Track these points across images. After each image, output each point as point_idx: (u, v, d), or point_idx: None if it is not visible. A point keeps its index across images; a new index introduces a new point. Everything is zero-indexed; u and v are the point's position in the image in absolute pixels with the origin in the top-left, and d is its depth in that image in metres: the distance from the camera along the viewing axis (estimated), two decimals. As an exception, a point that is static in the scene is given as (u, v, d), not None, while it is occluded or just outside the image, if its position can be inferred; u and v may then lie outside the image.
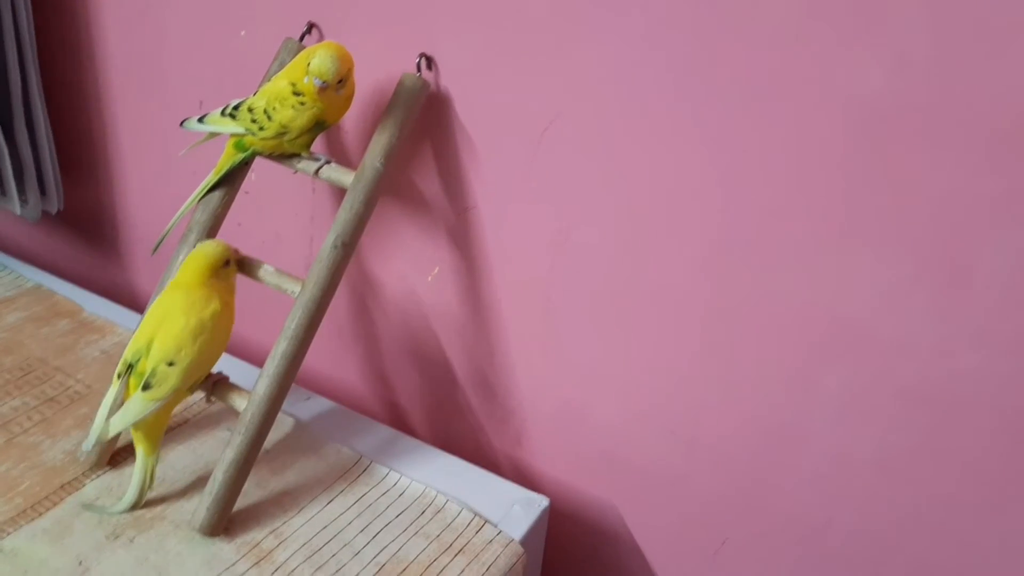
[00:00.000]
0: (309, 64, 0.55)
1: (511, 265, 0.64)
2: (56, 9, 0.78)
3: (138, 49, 0.76)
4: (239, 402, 0.56)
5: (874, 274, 0.50)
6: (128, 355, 0.55)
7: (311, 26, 0.64)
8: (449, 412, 0.73)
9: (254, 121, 0.57)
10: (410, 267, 0.69)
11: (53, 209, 0.82)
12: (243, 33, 0.69)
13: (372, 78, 0.62)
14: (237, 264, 0.58)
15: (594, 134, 0.56)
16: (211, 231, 0.61)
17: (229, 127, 0.59)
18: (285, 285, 0.58)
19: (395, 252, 0.69)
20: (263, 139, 0.58)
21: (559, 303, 0.63)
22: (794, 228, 0.52)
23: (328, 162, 0.59)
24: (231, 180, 0.62)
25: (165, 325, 0.54)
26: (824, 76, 0.48)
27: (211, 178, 0.61)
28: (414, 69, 0.60)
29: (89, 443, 0.56)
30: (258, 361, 0.70)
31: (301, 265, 0.74)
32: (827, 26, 0.47)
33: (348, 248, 0.57)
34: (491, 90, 0.59)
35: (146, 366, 0.54)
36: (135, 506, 0.56)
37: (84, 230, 0.90)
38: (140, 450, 0.56)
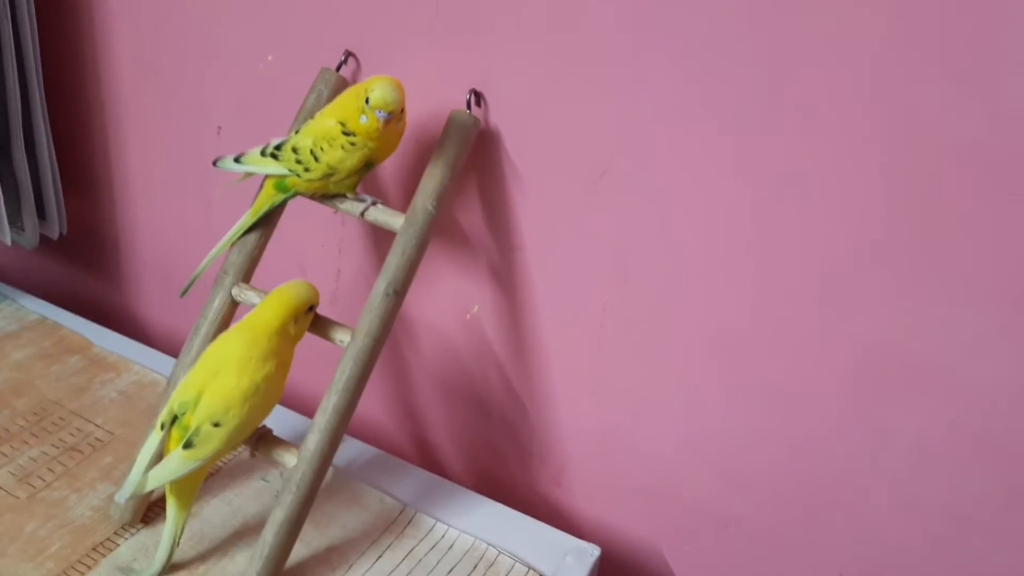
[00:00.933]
0: (368, 99, 0.52)
1: (559, 304, 0.62)
2: (63, 22, 0.74)
3: (151, 67, 0.72)
4: (288, 458, 0.53)
5: (950, 315, 0.50)
6: (175, 405, 0.51)
7: (348, 55, 0.61)
8: (485, 452, 0.71)
9: (299, 162, 0.54)
10: (447, 303, 0.66)
11: (54, 234, 0.78)
12: (270, 58, 0.66)
13: (415, 113, 0.60)
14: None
15: (659, 174, 0.54)
16: (247, 274, 0.58)
17: (271, 168, 0.56)
18: (334, 334, 0.55)
19: (432, 287, 0.67)
20: (308, 181, 0.55)
21: (610, 343, 0.61)
22: (870, 271, 0.51)
23: (375, 203, 0.56)
24: (268, 220, 0.59)
25: (218, 380, 0.50)
26: (915, 117, 0.46)
27: (247, 219, 0.58)
28: (460, 104, 0.57)
29: (123, 496, 0.52)
30: (297, 404, 0.68)
31: (326, 299, 0.71)
32: (917, 64, 0.45)
33: (400, 296, 0.54)
34: (545, 128, 0.56)
35: (191, 422, 0.51)
36: (164, 569, 0.54)
37: (87, 256, 0.86)
38: (172, 505, 0.53)
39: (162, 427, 0.51)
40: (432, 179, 0.55)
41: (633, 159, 0.55)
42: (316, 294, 0.54)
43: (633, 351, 0.61)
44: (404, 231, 0.55)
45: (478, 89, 0.57)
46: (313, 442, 0.52)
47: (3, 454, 0.61)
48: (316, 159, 0.54)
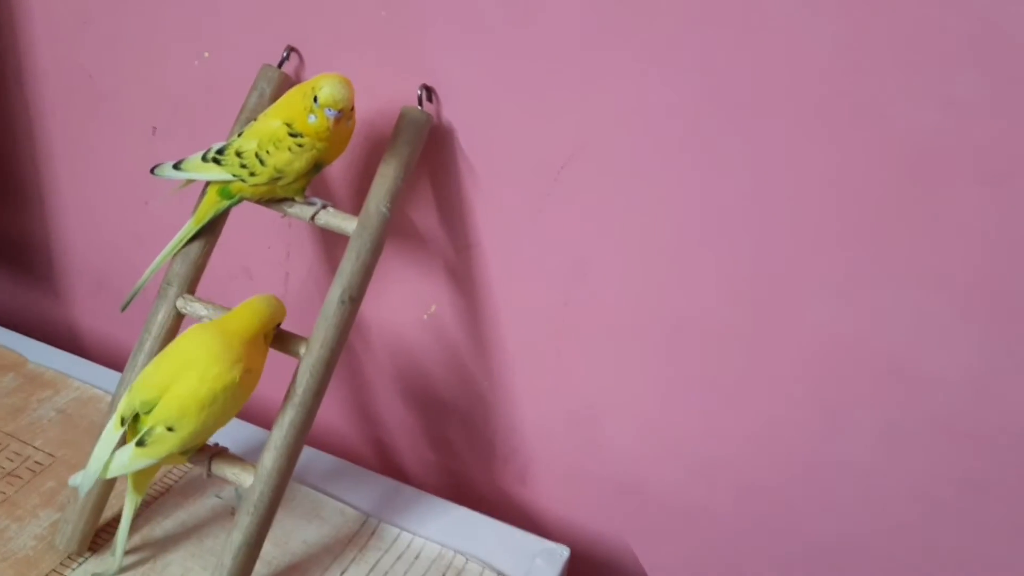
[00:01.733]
0: (316, 98, 0.49)
1: (518, 301, 0.60)
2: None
3: (79, 66, 0.68)
4: (244, 477, 0.51)
5: (915, 308, 0.50)
6: (136, 402, 0.48)
7: (290, 51, 0.58)
8: (447, 454, 0.69)
9: (244, 167, 0.52)
10: (402, 304, 0.65)
11: (-22, 244, 0.74)
12: (206, 54, 0.62)
13: (363, 110, 0.57)
14: None
15: (620, 168, 0.53)
16: (191, 284, 0.55)
17: (214, 174, 0.53)
18: (288, 345, 0.53)
19: (385, 288, 0.64)
20: (254, 185, 0.52)
21: (572, 338, 0.60)
22: (827, 260, 0.51)
23: (325, 206, 0.54)
24: (212, 227, 0.56)
25: (179, 383, 0.48)
26: (868, 110, 0.46)
27: (190, 227, 0.55)
28: (408, 100, 0.55)
29: (74, 482, 0.50)
30: (251, 415, 0.65)
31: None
32: (869, 60, 0.45)
33: (356, 303, 0.52)
34: (501, 124, 0.55)
35: (145, 422, 0.48)
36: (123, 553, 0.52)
37: (18, 267, 0.82)
38: (129, 489, 0.52)
39: (122, 422, 0.49)
40: (385, 180, 0.53)
41: (591, 153, 0.53)
42: (284, 312, 0.52)
43: (594, 345, 0.60)
44: (358, 235, 0.53)
45: (429, 84, 0.55)
46: (270, 459, 0.50)
47: (-66, 485, 0.57)
48: (262, 163, 0.51)
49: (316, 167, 0.53)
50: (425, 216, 0.60)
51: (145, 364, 0.54)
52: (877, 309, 0.50)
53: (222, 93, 0.62)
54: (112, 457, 0.48)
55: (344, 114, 0.50)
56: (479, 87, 0.54)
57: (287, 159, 0.51)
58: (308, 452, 0.64)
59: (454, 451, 0.69)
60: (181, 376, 0.48)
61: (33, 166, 0.75)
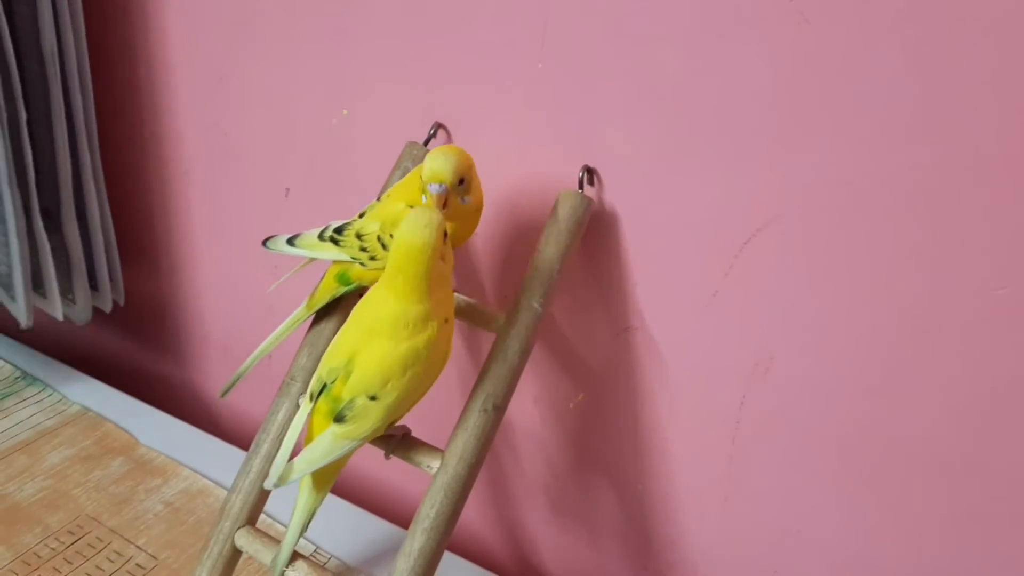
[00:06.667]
0: (422, 176, 0.44)
1: (684, 394, 0.52)
2: (117, 78, 0.68)
3: (214, 123, 0.65)
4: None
5: None
6: (323, 371, 0.42)
7: (438, 127, 0.53)
8: (591, 566, 0.60)
9: (364, 249, 0.46)
10: (545, 391, 0.57)
11: (107, 306, 0.71)
12: (345, 112, 0.58)
13: (513, 192, 0.51)
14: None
15: (815, 243, 0.44)
16: (317, 378, 0.50)
17: (331, 254, 0.47)
18: (419, 457, 0.46)
19: (526, 372, 0.57)
20: (375, 269, 0.47)
21: (748, 444, 0.50)
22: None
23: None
24: (333, 314, 0.50)
25: (371, 345, 0.41)
26: None
27: (302, 312, 0.50)
28: (567, 181, 0.49)
29: (270, 483, 0.43)
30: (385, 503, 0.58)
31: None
32: None
33: (500, 411, 0.45)
34: (669, 204, 0.47)
35: (342, 392, 0.42)
36: (290, 558, 0.46)
37: (144, 329, 0.79)
38: (306, 486, 0.45)
39: (311, 399, 0.43)
40: (539, 272, 0.47)
41: (777, 234, 0.45)
42: (441, 225, 0.41)
43: (777, 455, 0.50)
44: (504, 332, 0.46)
45: (591, 165, 0.49)
46: (395, 594, 0.43)
47: (31, 586, 0.53)
48: (384, 246, 0.46)
49: None
50: (577, 294, 0.53)
51: (262, 467, 0.48)
52: None
53: (359, 154, 0.58)
54: (310, 450, 0.42)
55: (450, 189, 0.44)
56: (643, 167, 0.47)
57: None
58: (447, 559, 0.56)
59: (601, 557, 0.60)
60: (372, 337, 0.41)
61: (166, 226, 0.72)
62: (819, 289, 0.45)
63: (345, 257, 0.47)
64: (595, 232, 0.50)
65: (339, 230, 0.48)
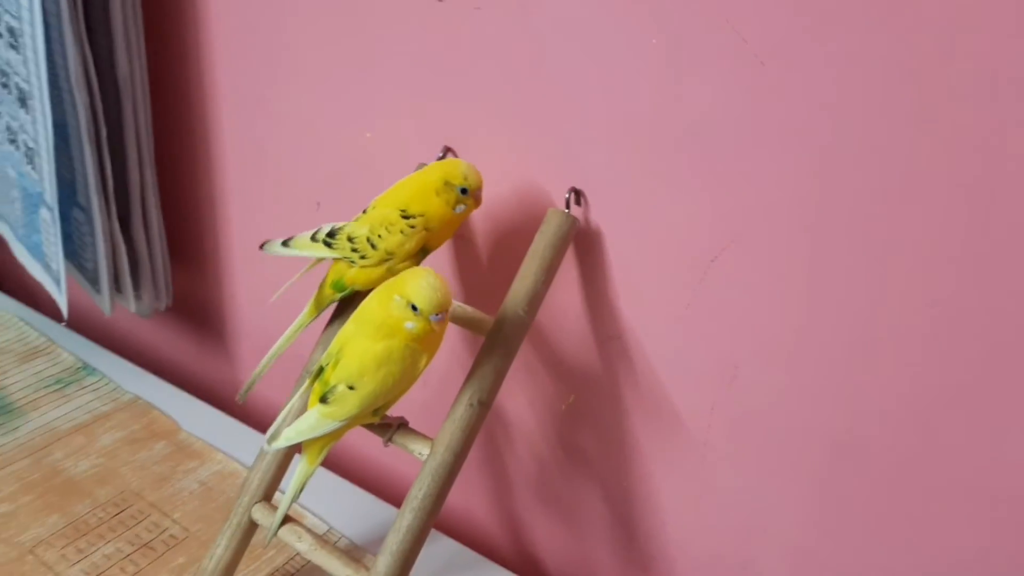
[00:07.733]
0: (446, 181, 0.52)
1: (661, 399, 0.56)
2: (172, 98, 0.75)
3: (255, 140, 0.72)
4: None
5: None
6: (323, 355, 0.49)
7: (446, 151, 0.59)
8: (579, 555, 0.65)
9: (355, 250, 0.52)
10: (540, 393, 0.62)
11: (162, 306, 0.79)
12: (369, 135, 0.64)
13: (512, 209, 0.57)
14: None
15: (776, 261, 0.48)
16: (330, 373, 0.56)
17: (322, 253, 0.54)
18: (410, 445, 0.51)
19: (523, 376, 0.62)
20: (364, 267, 0.53)
21: (720, 446, 0.55)
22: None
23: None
24: (342, 313, 0.56)
25: (356, 339, 0.48)
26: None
27: (305, 317, 0.56)
28: (552, 201, 0.54)
29: (264, 441, 0.51)
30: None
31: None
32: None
33: (485, 407, 0.50)
34: (647, 221, 0.52)
35: (331, 377, 0.48)
36: (281, 522, 0.53)
37: (187, 326, 0.87)
38: (305, 457, 0.51)
39: (312, 378, 0.50)
40: (524, 282, 0.52)
41: (739, 252, 0.49)
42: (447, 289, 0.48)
43: (744, 458, 0.54)
44: (493, 336, 0.51)
45: (578, 187, 0.54)
46: (384, 565, 0.48)
47: (79, 550, 0.60)
48: (373, 246, 0.52)
49: (422, 251, 0.53)
50: (565, 305, 0.58)
51: (276, 450, 0.54)
52: None
53: (381, 169, 0.64)
54: (298, 423, 0.48)
55: (472, 192, 0.52)
56: (626, 188, 0.52)
57: (399, 241, 0.52)
58: (446, 544, 0.62)
59: (587, 553, 0.64)
60: (358, 332, 0.48)
61: (213, 234, 0.79)
62: (779, 304, 0.49)
63: (336, 256, 0.53)
64: (582, 248, 0.55)
65: (331, 234, 0.54)
